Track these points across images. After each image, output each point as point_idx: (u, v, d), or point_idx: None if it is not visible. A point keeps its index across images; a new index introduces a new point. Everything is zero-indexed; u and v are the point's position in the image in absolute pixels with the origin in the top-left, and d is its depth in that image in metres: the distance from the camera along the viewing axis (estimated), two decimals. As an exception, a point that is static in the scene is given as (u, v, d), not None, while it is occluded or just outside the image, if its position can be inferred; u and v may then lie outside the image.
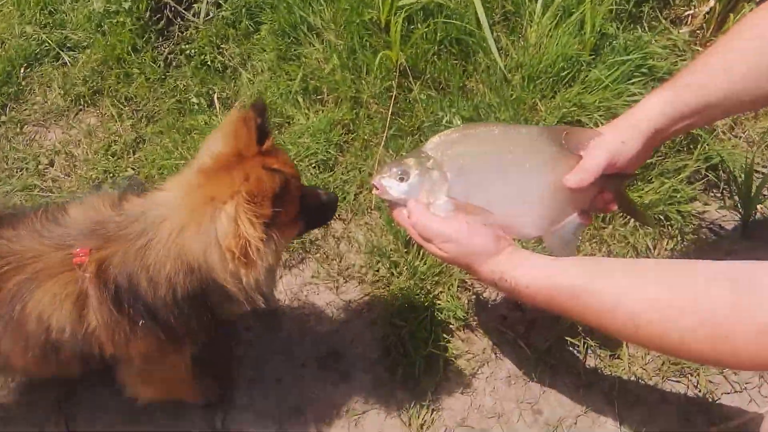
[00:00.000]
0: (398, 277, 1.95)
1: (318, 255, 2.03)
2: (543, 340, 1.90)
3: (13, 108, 2.36)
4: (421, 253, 1.98)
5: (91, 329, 1.26)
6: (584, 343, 1.81)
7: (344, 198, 2.11)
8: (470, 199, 1.34)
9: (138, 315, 1.25)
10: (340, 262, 2.03)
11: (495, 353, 1.89)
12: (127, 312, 1.25)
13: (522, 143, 1.41)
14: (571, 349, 1.90)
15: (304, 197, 1.36)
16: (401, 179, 1.32)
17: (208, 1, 2.57)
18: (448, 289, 1.95)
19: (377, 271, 1.99)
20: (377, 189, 1.34)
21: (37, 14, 2.53)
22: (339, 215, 2.11)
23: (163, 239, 1.22)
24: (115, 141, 2.23)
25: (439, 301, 1.93)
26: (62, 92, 2.36)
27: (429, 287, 1.95)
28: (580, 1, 2.41)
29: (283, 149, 1.41)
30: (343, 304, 1.97)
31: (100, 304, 1.24)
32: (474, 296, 1.98)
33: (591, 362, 1.88)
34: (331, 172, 2.12)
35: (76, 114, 2.37)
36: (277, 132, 2.24)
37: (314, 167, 2.12)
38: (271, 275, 1.38)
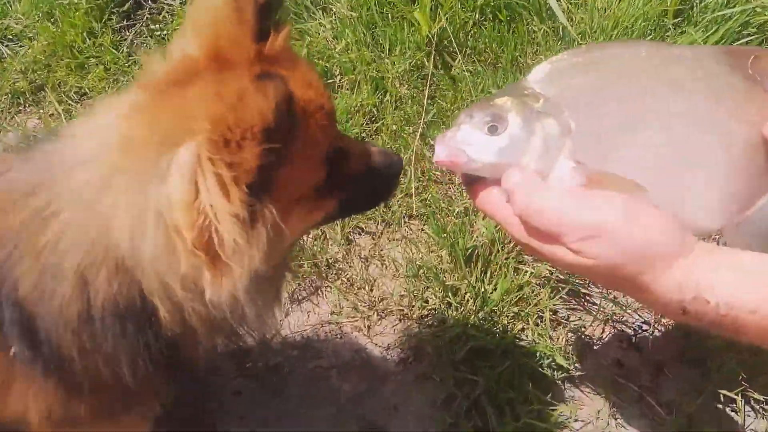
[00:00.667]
0: (458, 310, 1.33)
1: (339, 282, 1.42)
2: (680, 393, 1.28)
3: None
4: (489, 273, 1.36)
5: None
6: (747, 397, 1.18)
7: (371, 204, 1.51)
8: (608, 166, 0.74)
9: (11, 337, 0.71)
10: (371, 291, 1.41)
11: (615, 418, 1.27)
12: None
13: (686, 72, 0.81)
14: (726, 408, 1.26)
15: (339, 152, 0.77)
16: (491, 131, 0.73)
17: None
18: (536, 323, 1.32)
19: (426, 301, 1.38)
20: (443, 152, 0.73)
21: (-27, 3, 2.01)
22: (366, 227, 1.51)
23: (73, 207, 0.67)
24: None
25: (522, 342, 1.30)
26: (-4, 90, 1.81)
27: (506, 322, 1.32)
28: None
29: (307, 60, 0.81)
30: (378, 352, 1.34)
31: None
32: (572, 333, 1.35)
33: (759, 426, 1.25)
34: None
35: (13, 116, 1.81)
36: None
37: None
38: (265, 288, 0.75)
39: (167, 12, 2.00)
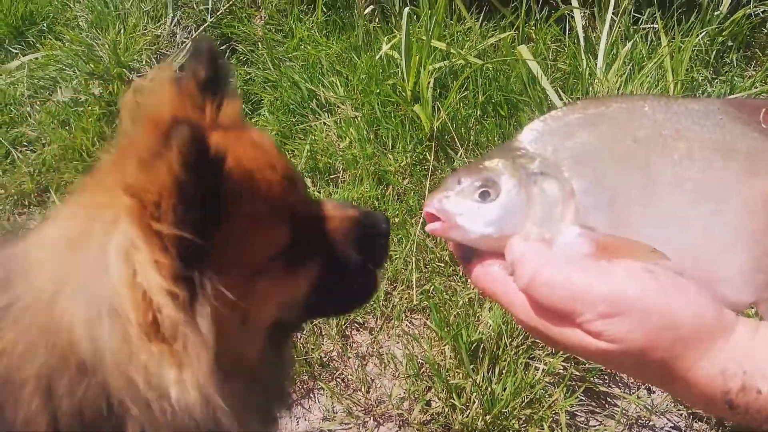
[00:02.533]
0: (464, 413, 1.19)
1: (333, 383, 1.30)
2: None
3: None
4: (497, 370, 1.23)
5: None
6: None
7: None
8: (620, 232, 0.65)
9: None
10: (368, 392, 1.29)
11: None
12: None
13: (700, 128, 0.74)
14: None
15: (306, 216, 0.70)
16: (482, 197, 0.65)
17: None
18: (550, 428, 1.17)
19: (427, 404, 1.24)
20: (436, 221, 0.64)
21: (-6, 114, 2.11)
22: (365, 322, 1.41)
23: (32, 299, 0.61)
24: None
25: (537, 450, 1.15)
26: (2, 192, 1.83)
27: (518, 426, 1.17)
28: (650, 54, 1.97)
29: (260, 129, 0.77)
30: (375, 463, 1.18)
31: None
32: (593, 439, 1.19)
33: None
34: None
35: (16, 217, 1.82)
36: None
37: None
38: (249, 392, 0.66)
39: (177, 117, 2.06)
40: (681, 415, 1.24)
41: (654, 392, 1.28)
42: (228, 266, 0.59)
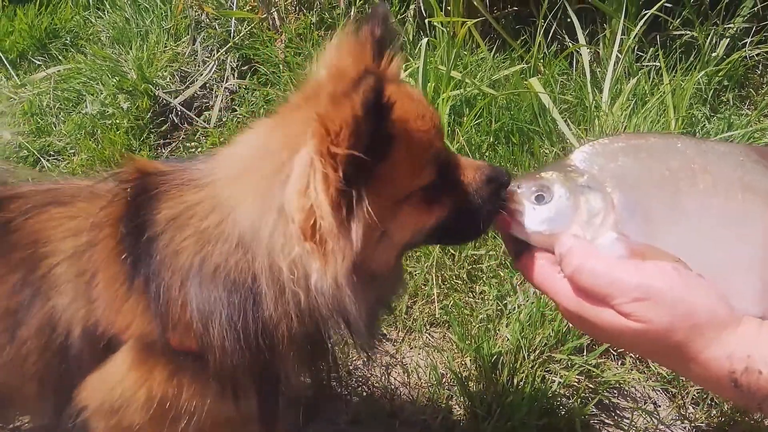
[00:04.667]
0: (487, 422, 1.27)
1: (360, 389, 1.36)
2: None
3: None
4: (515, 382, 1.32)
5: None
6: None
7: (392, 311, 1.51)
8: (649, 241, 0.78)
9: (136, 261, 0.83)
10: (392, 400, 1.35)
11: None
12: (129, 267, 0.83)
13: (724, 165, 0.86)
14: None
15: (447, 161, 0.82)
16: (537, 200, 0.79)
17: (220, 108, 2.24)
18: (567, 435, 1.25)
19: (450, 411, 1.32)
20: (498, 217, 0.80)
21: (23, 123, 2.18)
22: (388, 334, 1.49)
23: (211, 187, 0.82)
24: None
25: (553, 457, 1.22)
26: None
27: (536, 433, 1.25)
28: (652, 89, 2.09)
29: (409, 84, 0.94)
30: (400, 467, 1.25)
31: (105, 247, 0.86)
32: (605, 448, 1.27)
33: None
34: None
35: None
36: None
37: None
38: (373, 289, 0.81)
39: (201, 134, 2.15)
40: (685, 428, 1.33)
41: (660, 406, 1.36)
42: (382, 192, 0.73)
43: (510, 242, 0.79)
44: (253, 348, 0.78)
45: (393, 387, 1.40)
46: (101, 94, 2.19)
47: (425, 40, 2.07)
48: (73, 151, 2.09)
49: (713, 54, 2.22)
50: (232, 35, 2.45)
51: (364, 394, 1.37)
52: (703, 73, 2.11)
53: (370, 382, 1.39)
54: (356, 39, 0.80)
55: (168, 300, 0.80)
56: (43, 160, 2.06)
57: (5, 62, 2.48)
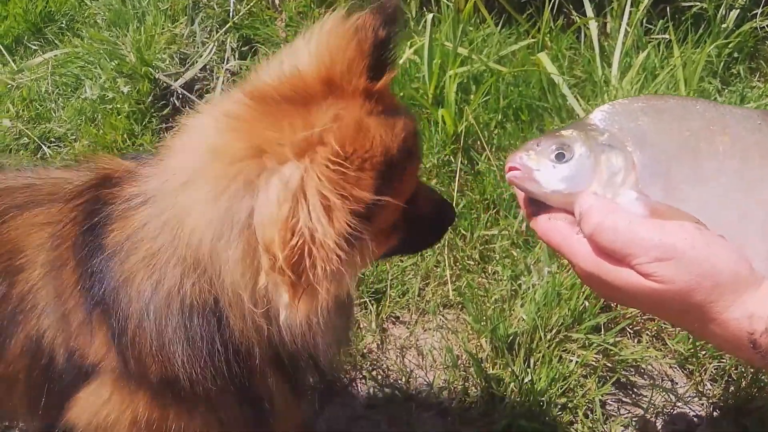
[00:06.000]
0: (502, 402, 1.26)
1: (375, 372, 1.36)
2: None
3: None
4: (533, 363, 1.30)
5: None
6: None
7: (404, 293, 1.49)
8: (668, 202, 0.76)
9: (91, 289, 0.76)
10: (408, 382, 1.34)
11: None
12: (86, 298, 0.77)
13: (742, 128, 0.85)
14: None
15: (416, 193, 0.79)
16: (557, 158, 0.75)
17: (222, 90, 2.20)
18: (585, 416, 1.24)
19: (466, 393, 1.31)
20: (516, 175, 0.75)
21: (21, 109, 2.14)
22: (401, 316, 1.48)
23: (157, 201, 0.73)
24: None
25: (573, 436, 1.22)
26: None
27: (554, 413, 1.24)
28: (662, 63, 2.06)
29: (406, 108, 0.82)
30: (419, 449, 1.25)
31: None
32: (623, 427, 1.26)
33: None
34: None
35: (49, 211, 1.84)
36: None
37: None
38: (336, 316, 0.73)
39: (203, 116, 2.11)
40: (702, 405, 1.32)
41: (677, 383, 1.36)
42: (375, 229, 0.66)
43: (526, 202, 0.77)
44: (226, 372, 0.73)
45: (408, 370, 1.39)
46: (100, 78, 2.14)
47: (430, 15, 2.03)
48: (74, 137, 2.05)
49: (723, 26, 2.17)
50: (231, 15, 2.40)
51: (379, 377, 1.36)
52: (713, 45, 2.07)
53: (384, 365, 1.38)
54: (355, 35, 0.67)
55: (128, 332, 0.74)
56: (44, 146, 2.03)
57: (1, 48, 2.43)
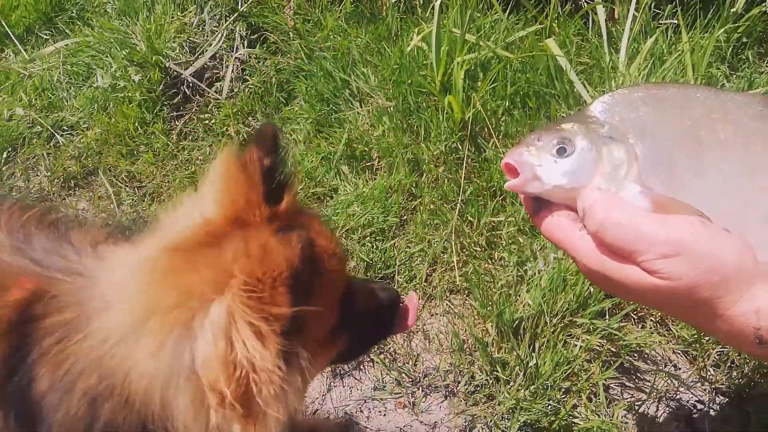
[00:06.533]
0: (508, 385, 1.28)
1: (382, 356, 1.39)
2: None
3: (-14, 193, 1.89)
4: (537, 347, 1.33)
5: None
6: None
7: (412, 278, 1.52)
8: (671, 193, 0.75)
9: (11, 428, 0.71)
10: (415, 365, 1.37)
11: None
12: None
13: (743, 115, 0.84)
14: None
15: (348, 294, 0.81)
16: (559, 152, 0.74)
17: (232, 78, 2.22)
18: (588, 399, 1.27)
19: (472, 377, 1.33)
20: (514, 172, 0.74)
21: (34, 98, 2.17)
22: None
23: (97, 342, 0.69)
24: (107, 224, 1.71)
25: (576, 420, 1.24)
26: (49, 174, 1.90)
27: (559, 397, 1.27)
28: (670, 48, 2.05)
29: (316, 215, 0.85)
30: (424, 430, 1.27)
31: None
32: (626, 411, 1.29)
33: None
34: (392, 241, 1.55)
35: (64, 199, 1.88)
36: (318, 203, 1.72)
37: (371, 238, 1.56)
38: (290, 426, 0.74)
39: (214, 105, 2.13)
40: (705, 390, 1.34)
41: (680, 368, 1.37)
42: (307, 340, 0.68)
43: (527, 200, 0.76)
44: None
45: (415, 353, 1.41)
46: (111, 67, 2.17)
47: (438, 2, 2.03)
48: (86, 125, 2.09)
49: (732, 10, 2.15)
50: (239, 3, 2.41)
51: (386, 360, 1.39)
52: (722, 30, 2.05)
53: (392, 349, 1.41)
54: (243, 170, 0.70)
55: None
56: (57, 135, 2.06)
57: (12, 37, 2.46)
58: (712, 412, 1.31)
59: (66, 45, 2.36)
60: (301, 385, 0.68)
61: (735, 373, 1.31)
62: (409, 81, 2.01)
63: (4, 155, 2.02)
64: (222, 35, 2.35)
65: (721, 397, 1.33)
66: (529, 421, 1.23)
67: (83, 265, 0.78)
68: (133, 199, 1.83)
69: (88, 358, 0.69)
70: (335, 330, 0.77)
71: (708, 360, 1.34)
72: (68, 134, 2.08)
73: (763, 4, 2.17)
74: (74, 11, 2.63)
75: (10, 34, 2.47)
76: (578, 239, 0.70)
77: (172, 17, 2.46)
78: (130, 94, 2.06)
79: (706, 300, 0.63)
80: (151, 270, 0.69)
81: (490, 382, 1.31)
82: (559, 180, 0.73)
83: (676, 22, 2.13)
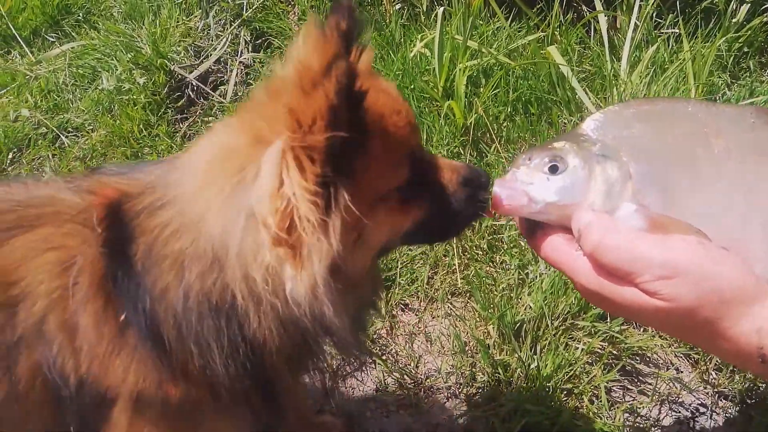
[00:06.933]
0: (509, 387, 1.29)
1: (385, 357, 1.39)
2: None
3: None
4: (539, 349, 1.33)
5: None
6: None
7: (413, 281, 1.52)
8: (667, 211, 0.75)
9: (122, 304, 0.75)
10: (416, 367, 1.37)
11: (683, 506, 1.16)
12: (111, 294, 0.75)
13: (736, 128, 0.84)
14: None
15: (422, 160, 0.80)
16: (551, 171, 0.74)
17: (236, 82, 2.23)
18: (590, 401, 1.27)
19: (473, 378, 1.33)
20: (503, 193, 0.73)
21: (40, 100, 2.18)
22: (410, 303, 1.51)
23: (178, 204, 0.74)
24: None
25: (578, 422, 1.24)
26: (54, 175, 1.90)
27: (560, 398, 1.27)
28: (671, 57, 2.07)
29: (389, 81, 0.84)
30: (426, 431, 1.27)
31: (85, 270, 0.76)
32: (628, 413, 1.29)
33: None
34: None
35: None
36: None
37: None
38: (350, 295, 0.75)
39: (218, 109, 2.15)
40: (707, 393, 1.34)
41: (683, 372, 1.38)
42: (358, 188, 0.68)
43: (521, 220, 0.75)
44: (249, 370, 0.75)
45: (417, 355, 1.42)
46: (117, 69, 2.18)
47: (441, 9, 2.05)
48: (91, 127, 2.10)
49: (734, 20, 2.17)
50: (244, 9, 2.43)
51: (389, 362, 1.39)
52: (723, 39, 2.07)
53: (394, 351, 1.41)
54: (321, 33, 0.70)
55: (169, 346, 0.74)
56: (62, 136, 2.08)
57: (19, 39, 2.48)
58: (714, 416, 1.31)
59: (72, 47, 2.38)
60: (345, 229, 0.67)
61: (738, 377, 1.32)
62: (412, 86, 2.03)
63: (10, 156, 2.03)
64: (227, 40, 2.37)
65: (724, 401, 1.33)
66: (530, 423, 1.23)
67: (159, 170, 0.82)
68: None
69: (169, 220, 0.73)
70: (406, 193, 0.76)
71: (710, 363, 1.34)
72: (73, 136, 2.09)
73: (765, 14, 2.19)
74: (80, 14, 2.65)
75: (17, 36, 2.49)
76: (574, 260, 0.69)
77: (178, 21, 2.49)
78: (135, 97, 2.07)
79: (706, 320, 0.62)
80: (229, 125, 0.75)
81: (492, 383, 1.31)
82: (552, 197, 0.72)
83: (677, 31, 2.15)
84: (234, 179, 0.68)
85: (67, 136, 2.08)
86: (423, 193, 0.79)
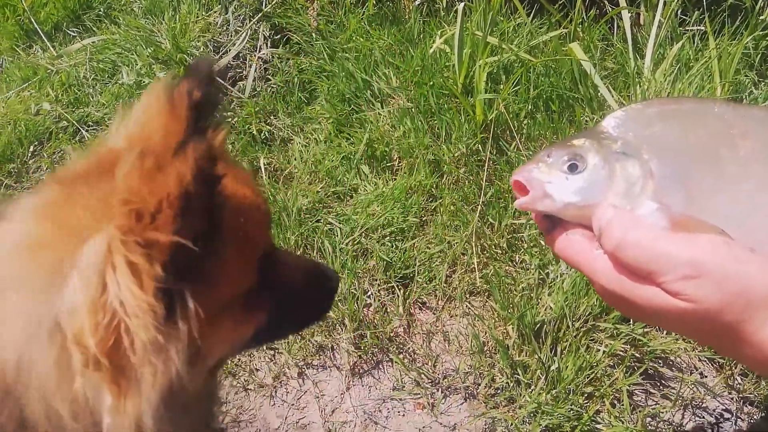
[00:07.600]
0: (530, 389, 1.27)
1: (402, 356, 1.37)
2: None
3: (12, 186, 1.91)
4: (559, 351, 1.31)
5: None
6: None
7: (431, 279, 1.51)
8: (689, 212, 0.72)
9: None
10: (434, 366, 1.36)
11: None
12: None
13: (764, 130, 0.81)
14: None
15: (272, 260, 0.69)
16: (570, 169, 0.70)
17: (254, 78, 2.23)
18: (612, 405, 1.24)
19: (492, 379, 1.32)
20: (522, 191, 0.69)
21: (61, 94, 2.20)
22: (427, 302, 1.49)
23: None
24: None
25: (599, 425, 1.22)
26: (73, 168, 1.92)
27: (581, 402, 1.25)
28: (696, 54, 2.02)
29: (243, 167, 0.74)
30: (444, 432, 1.26)
31: None
32: (650, 418, 1.26)
33: None
34: (412, 241, 1.54)
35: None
36: (338, 202, 1.71)
37: (390, 238, 1.55)
38: (182, 422, 0.61)
39: (236, 104, 2.14)
40: (732, 399, 1.31)
41: (707, 376, 1.35)
42: (205, 295, 0.55)
43: (539, 218, 0.72)
44: None
45: (435, 354, 1.40)
46: (137, 64, 2.19)
47: (461, 4, 2.03)
48: (111, 121, 2.10)
49: (761, 17, 2.13)
50: (263, 4, 2.43)
51: (405, 361, 1.38)
52: (750, 37, 2.03)
53: (411, 349, 1.40)
54: (168, 101, 0.59)
55: None
56: (82, 130, 2.09)
57: (41, 34, 2.50)
58: (739, 422, 1.28)
59: (93, 42, 2.40)
60: (188, 346, 0.54)
61: (764, 383, 1.28)
62: (431, 83, 2.01)
63: (31, 149, 2.05)
64: (246, 35, 2.37)
65: (749, 407, 1.30)
66: (550, 426, 1.21)
67: None
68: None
69: None
70: (251, 299, 0.65)
71: (735, 368, 1.31)
72: (93, 130, 2.10)
73: (793, 11, 2.14)
74: (101, 9, 2.67)
75: (39, 30, 2.51)
76: (594, 259, 0.66)
77: (197, 17, 2.49)
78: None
79: (730, 324, 0.59)
80: (32, 208, 0.57)
81: (511, 385, 1.29)
82: (571, 197, 0.69)
83: (703, 28, 2.11)
84: (38, 283, 0.52)
85: (87, 130, 2.09)
86: (268, 296, 0.69)
